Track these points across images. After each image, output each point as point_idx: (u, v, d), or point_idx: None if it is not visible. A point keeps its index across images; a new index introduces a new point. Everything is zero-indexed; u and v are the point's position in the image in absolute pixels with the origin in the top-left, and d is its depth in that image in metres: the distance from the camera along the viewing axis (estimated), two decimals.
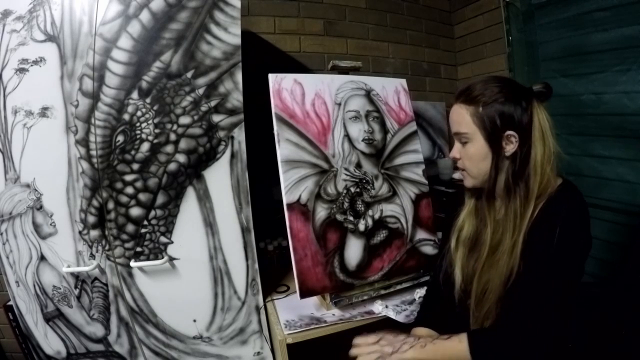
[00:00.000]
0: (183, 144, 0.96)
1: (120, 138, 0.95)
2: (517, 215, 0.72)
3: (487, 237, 0.78)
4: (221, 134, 0.99)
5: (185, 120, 0.96)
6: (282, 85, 1.04)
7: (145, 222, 0.97)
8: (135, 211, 0.97)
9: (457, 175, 1.65)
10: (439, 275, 0.90)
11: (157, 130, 0.95)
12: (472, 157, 0.76)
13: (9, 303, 1.14)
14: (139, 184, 0.96)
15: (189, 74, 0.96)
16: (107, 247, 0.99)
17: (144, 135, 0.95)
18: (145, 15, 0.94)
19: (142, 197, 0.96)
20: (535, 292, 0.67)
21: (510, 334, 0.67)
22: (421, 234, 1.13)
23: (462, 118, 0.75)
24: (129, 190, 0.96)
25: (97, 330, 1.05)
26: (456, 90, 0.79)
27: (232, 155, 1.00)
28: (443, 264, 0.89)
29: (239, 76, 0.99)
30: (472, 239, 0.83)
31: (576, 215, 0.68)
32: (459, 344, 0.68)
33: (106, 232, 0.98)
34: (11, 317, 1.19)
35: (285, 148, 0.99)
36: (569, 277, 0.67)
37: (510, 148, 0.72)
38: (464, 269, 0.82)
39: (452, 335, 0.71)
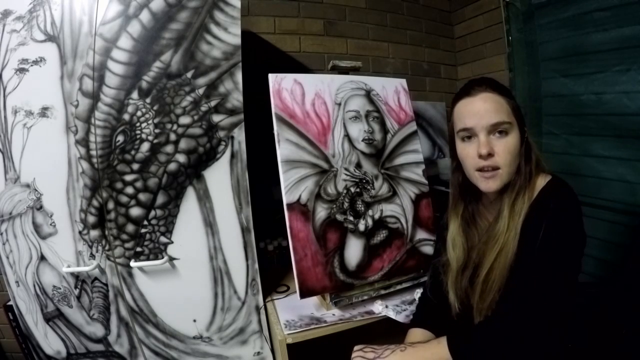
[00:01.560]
0: (183, 144, 0.96)
1: (120, 138, 0.95)
2: (519, 198, 0.72)
3: (494, 230, 0.75)
4: (221, 134, 0.99)
5: (185, 120, 0.96)
6: (282, 85, 1.04)
7: (145, 222, 0.97)
8: (135, 211, 0.97)
9: None
10: (430, 286, 0.90)
11: (157, 130, 0.95)
12: (514, 149, 0.71)
13: (9, 303, 1.14)
14: (139, 184, 0.96)
15: (189, 74, 0.96)
16: (107, 247, 0.99)
17: (144, 135, 0.95)
18: (145, 15, 0.94)
19: (142, 197, 0.96)
20: (523, 287, 0.66)
21: (487, 329, 0.67)
22: (421, 234, 1.12)
23: (502, 106, 0.71)
24: (129, 190, 0.96)
25: (97, 330, 1.05)
26: (469, 81, 0.77)
27: (232, 155, 1.00)
28: (436, 273, 0.88)
29: (239, 76, 0.99)
30: (464, 257, 0.81)
31: (566, 206, 0.67)
32: (438, 345, 0.69)
33: (106, 232, 0.98)
34: (11, 317, 1.19)
35: (285, 148, 0.99)
36: (560, 271, 0.66)
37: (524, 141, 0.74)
38: (458, 291, 0.82)
39: (432, 340, 0.73)
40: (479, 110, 0.71)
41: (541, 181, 0.73)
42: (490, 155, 0.70)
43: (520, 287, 0.67)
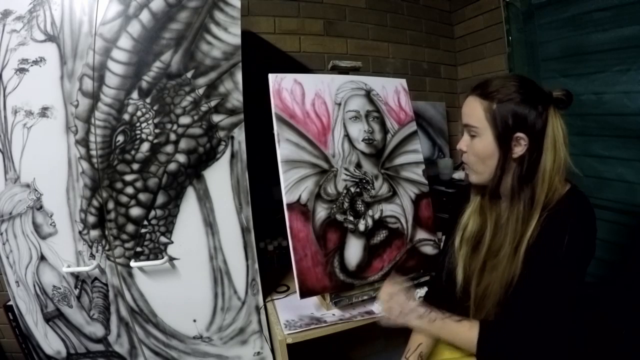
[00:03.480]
0: (183, 144, 0.96)
1: (120, 138, 0.95)
2: (518, 220, 0.71)
3: (487, 240, 0.77)
4: (221, 134, 0.99)
5: (185, 120, 0.96)
6: (282, 85, 1.04)
7: (145, 222, 0.97)
8: (135, 211, 0.97)
9: (457, 175, 1.65)
10: (442, 272, 0.89)
11: (157, 130, 0.95)
12: (479, 153, 0.74)
13: (9, 303, 1.14)
14: (139, 184, 0.96)
15: (189, 74, 0.96)
16: (107, 247, 0.99)
17: (144, 135, 0.95)
18: (145, 15, 0.94)
19: (142, 197, 0.96)
20: (538, 297, 0.66)
21: (516, 333, 0.67)
22: (421, 234, 1.12)
23: (474, 111, 0.73)
24: (129, 190, 0.96)
25: (97, 330, 1.05)
26: (473, 84, 0.77)
27: (232, 155, 1.00)
28: (446, 260, 0.88)
29: (239, 76, 0.98)
30: (476, 237, 0.82)
31: (583, 226, 0.67)
32: (469, 331, 0.69)
33: (106, 232, 0.98)
34: (11, 317, 1.19)
35: (285, 148, 0.99)
36: (571, 285, 0.67)
37: (518, 150, 0.70)
38: (466, 268, 0.81)
39: (464, 320, 0.71)
40: (463, 110, 0.77)
41: (558, 190, 0.71)
42: (464, 152, 0.77)
43: (530, 299, 0.67)
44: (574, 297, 0.69)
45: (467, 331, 0.69)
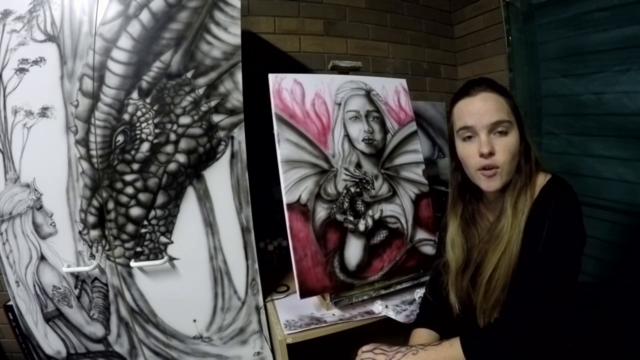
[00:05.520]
0: (183, 144, 0.96)
1: (120, 138, 0.95)
2: (521, 196, 0.72)
3: (496, 229, 0.75)
4: (221, 134, 0.99)
5: (185, 120, 0.96)
6: (282, 85, 1.04)
7: (145, 222, 0.97)
8: (135, 211, 0.97)
9: None
10: (432, 295, 0.89)
11: (157, 130, 0.95)
12: (513, 148, 0.71)
13: (9, 303, 1.14)
14: (139, 184, 0.96)
15: (189, 74, 0.96)
16: (107, 247, 0.99)
17: (144, 135, 0.95)
18: (145, 15, 0.94)
19: (142, 197, 0.96)
20: (529, 286, 0.66)
21: (502, 330, 0.67)
22: (421, 234, 1.12)
23: (502, 105, 0.71)
24: (129, 190, 0.96)
25: (97, 330, 1.05)
26: (468, 82, 0.77)
27: (232, 155, 1.00)
28: (437, 284, 0.88)
29: (239, 76, 0.99)
30: (464, 258, 0.81)
31: (566, 207, 0.68)
32: (450, 348, 0.69)
33: (106, 232, 0.98)
34: (11, 317, 1.19)
35: (285, 148, 0.99)
36: (564, 270, 0.67)
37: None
38: (458, 291, 0.82)
39: (443, 341, 0.72)
40: (480, 109, 0.72)
41: (541, 180, 0.73)
42: (491, 154, 0.71)
43: (526, 287, 0.67)
44: (571, 286, 0.69)
45: (448, 349, 0.69)
